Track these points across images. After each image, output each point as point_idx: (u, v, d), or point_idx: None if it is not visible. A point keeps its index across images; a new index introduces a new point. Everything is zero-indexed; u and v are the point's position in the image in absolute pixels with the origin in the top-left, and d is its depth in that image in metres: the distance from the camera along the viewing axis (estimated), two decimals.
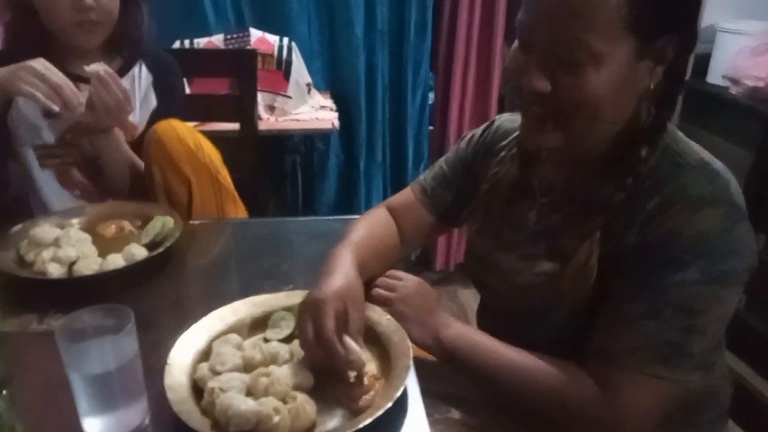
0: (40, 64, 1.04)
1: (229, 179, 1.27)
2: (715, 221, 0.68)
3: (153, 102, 1.27)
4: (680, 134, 0.77)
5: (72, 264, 0.97)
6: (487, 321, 0.99)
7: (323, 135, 2.21)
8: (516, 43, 0.75)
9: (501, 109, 2.58)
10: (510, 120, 0.97)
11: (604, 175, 0.76)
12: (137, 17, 1.23)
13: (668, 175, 0.72)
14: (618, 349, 0.71)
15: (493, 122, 1.00)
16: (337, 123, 2.05)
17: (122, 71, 1.25)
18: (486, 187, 0.94)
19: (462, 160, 1.00)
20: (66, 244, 0.99)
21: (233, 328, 0.82)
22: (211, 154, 1.21)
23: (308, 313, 0.73)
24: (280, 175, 2.36)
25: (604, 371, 0.72)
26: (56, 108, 1.04)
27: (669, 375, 0.70)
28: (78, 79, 1.19)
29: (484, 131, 1.00)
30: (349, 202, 2.49)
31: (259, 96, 1.84)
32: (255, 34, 1.99)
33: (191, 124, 1.28)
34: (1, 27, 1.17)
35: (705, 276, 0.67)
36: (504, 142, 0.95)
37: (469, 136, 1.01)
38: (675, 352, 0.69)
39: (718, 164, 0.73)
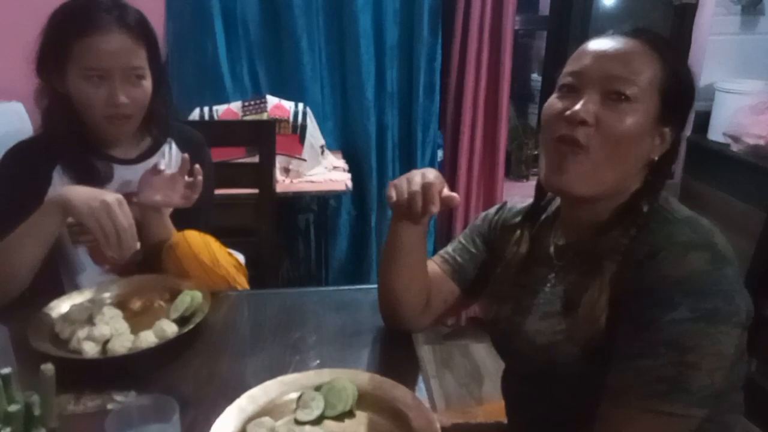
0: (117, 204, 1.05)
1: (246, 283, 1.27)
2: (700, 263, 0.74)
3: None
4: (672, 199, 0.86)
5: (106, 342, 0.99)
6: (513, 386, 1.03)
7: (336, 194, 2.27)
8: (555, 95, 0.87)
9: (508, 166, 2.66)
10: (518, 201, 1.06)
11: (611, 227, 0.84)
12: (166, 99, 1.27)
13: (657, 229, 0.80)
14: (618, 388, 0.76)
15: (504, 204, 1.08)
16: (350, 184, 2.11)
17: (152, 150, 1.29)
18: (505, 261, 1.00)
19: (480, 235, 1.07)
20: (100, 321, 1.02)
21: (265, 410, 0.84)
22: (228, 264, 1.21)
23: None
24: (294, 233, 2.41)
25: (609, 411, 0.76)
26: (109, 253, 1.06)
27: (668, 410, 0.72)
28: (112, 159, 1.25)
29: (498, 210, 1.08)
30: (361, 258, 2.53)
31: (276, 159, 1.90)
32: (272, 100, 2.07)
33: None
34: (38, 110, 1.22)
35: (694, 314, 0.72)
36: (517, 220, 1.02)
37: (483, 214, 1.10)
38: (671, 387, 0.72)
39: (704, 220, 0.82)
